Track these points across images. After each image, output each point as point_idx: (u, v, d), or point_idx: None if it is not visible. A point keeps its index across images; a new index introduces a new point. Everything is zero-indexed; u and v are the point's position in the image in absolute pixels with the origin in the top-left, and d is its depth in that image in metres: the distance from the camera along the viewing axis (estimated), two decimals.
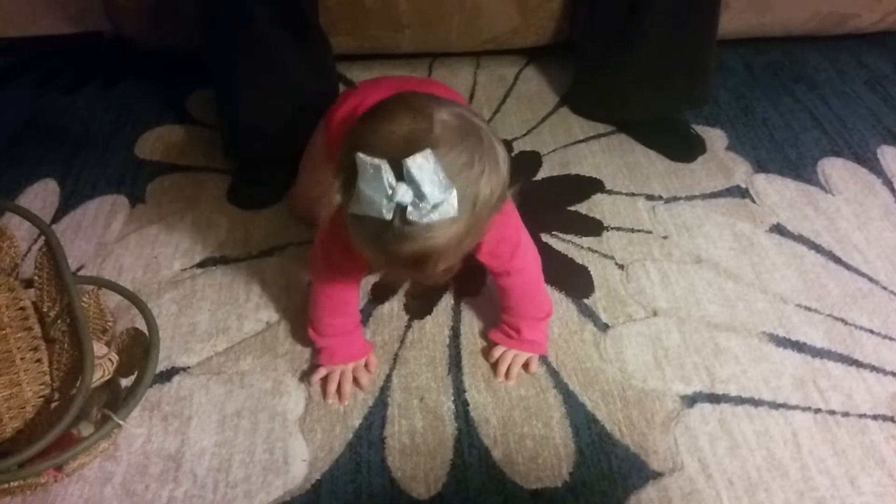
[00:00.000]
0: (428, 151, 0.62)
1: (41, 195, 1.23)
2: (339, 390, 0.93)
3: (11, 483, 0.79)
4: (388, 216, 0.63)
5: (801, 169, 1.27)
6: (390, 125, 0.65)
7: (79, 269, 1.09)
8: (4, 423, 0.84)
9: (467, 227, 0.67)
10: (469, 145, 0.66)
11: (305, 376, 0.95)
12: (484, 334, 1.00)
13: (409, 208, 0.63)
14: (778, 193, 1.22)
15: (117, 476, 0.85)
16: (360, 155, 0.63)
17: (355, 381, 0.95)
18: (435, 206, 0.63)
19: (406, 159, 0.61)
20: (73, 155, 1.31)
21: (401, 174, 0.62)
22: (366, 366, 0.96)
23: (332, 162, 0.93)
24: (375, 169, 0.62)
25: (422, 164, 0.62)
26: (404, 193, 0.62)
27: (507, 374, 0.95)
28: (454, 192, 0.63)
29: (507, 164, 0.70)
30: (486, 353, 0.98)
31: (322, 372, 0.95)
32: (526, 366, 0.96)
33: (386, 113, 0.67)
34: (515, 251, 0.88)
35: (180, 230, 1.17)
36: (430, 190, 0.62)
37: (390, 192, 0.62)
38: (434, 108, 0.66)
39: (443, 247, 0.66)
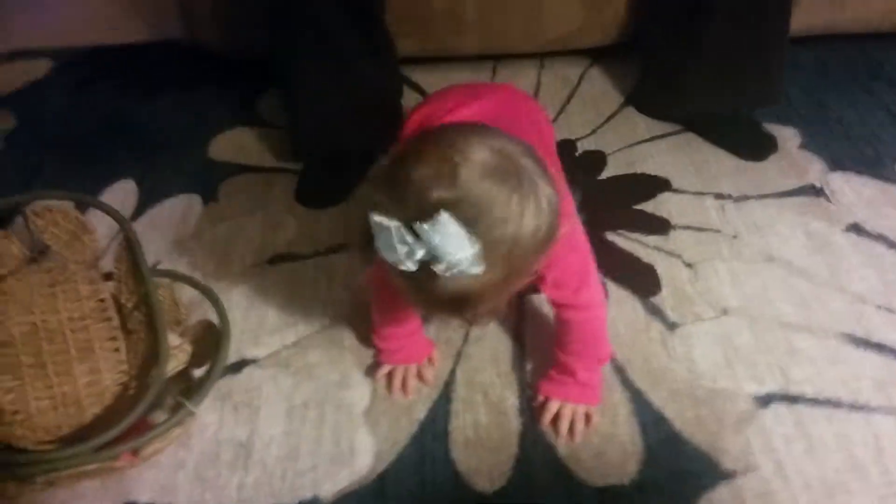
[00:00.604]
0: (444, 215, 0.58)
1: (121, 194, 1.28)
2: (404, 386, 0.94)
3: (89, 466, 0.83)
4: (413, 269, 0.61)
5: (878, 167, 1.23)
6: (410, 173, 0.60)
7: (155, 265, 1.13)
8: (84, 408, 0.88)
9: (504, 273, 0.63)
10: (505, 188, 0.61)
11: (371, 370, 0.96)
12: (533, 384, 0.93)
13: (431, 262, 0.60)
14: (855, 192, 1.18)
15: (190, 463, 0.88)
16: (374, 217, 0.60)
17: (419, 375, 0.95)
18: (456, 265, 0.59)
19: (422, 225, 0.58)
20: (150, 156, 1.37)
21: (414, 231, 0.59)
22: (429, 360, 0.96)
23: None
24: (387, 231, 0.60)
25: (437, 228, 0.58)
26: (419, 253, 0.59)
27: (570, 434, 0.87)
28: (477, 249, 0.59)
29: (554, 198, 0.64)
30: (538, 410, 0.90)
31: (385, 369, 0.95)
32: (587, 419, 0.88)
33: (411, 157, 0.62)
34: (583, 284, 0.82)
35: (251, 228, 1.20)
36: (449, 252, 0.59)
37: (406, 252, 0.60)
38: (476, 147, 0.61)
39: (480, 292, 0.63)
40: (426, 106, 0.97)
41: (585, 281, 0.82)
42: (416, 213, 0.59)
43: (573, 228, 0.78)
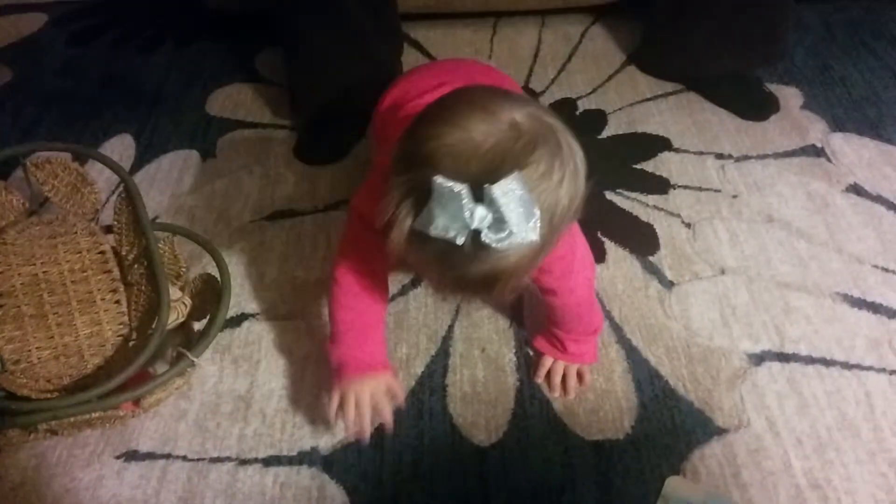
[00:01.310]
0: (516, 175, 0.55)
1: (118, 149, 1.28)
2: (359, 415, 0.79)
3: (92, 414, 0.84)
4: (461, 241, 0.56)
5: (880, 128, 1.22)
6: (463, 132, 0.57)
7: (153, 220, 1.13)
8: (86, 359, 0.89)
9: (543, 245, 0.59)
10: (547, 152, 0.58)
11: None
12: (529, 340, 0.94)
13: (486, 232, 0.56)
14: (855, 153, 1.17)
15: (191, 413, 0.89)
16: (439, 179, 0.55)
17: (375, 408, 0.80)
18: (517, 234, 0.56)
19: (492, 186, 0.55)
20: (147, 112, 1.36)
21: (481, 196, 0.55)
22: (391, 394, 0.81)
23: (379, 154, 0.89)
24: (454, 195, 0.55)
25: (507, 192, 0.55)
26: (483, 219, 0.55)
27: (563, 389, 0.88)
28: (538, 216, 0.56)
29: (584, 165, 0.62)
30: (535, 362, 0.91)
31: (336, 400, 0.79)
32: (580, 377, 0.89)
33: (454, 116, 0.59)
34: (568, 270, 0.79)
35: (249, 184, 1.20)
36: (513, 218, 0.55)
37: (468, 217, 0.55)
38: (508, 110, 0.58)
39: (514, 267, 0.60)
40: (396, 88, 0.95)
41: (570, 267, 0.79)
42: (485, 173, 0.55)
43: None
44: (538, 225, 0.57)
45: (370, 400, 0.79)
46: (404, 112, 0.85)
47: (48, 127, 1.33)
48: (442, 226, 0.56)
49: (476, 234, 0.56)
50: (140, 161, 1.25)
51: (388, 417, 0.80)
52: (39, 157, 1.01)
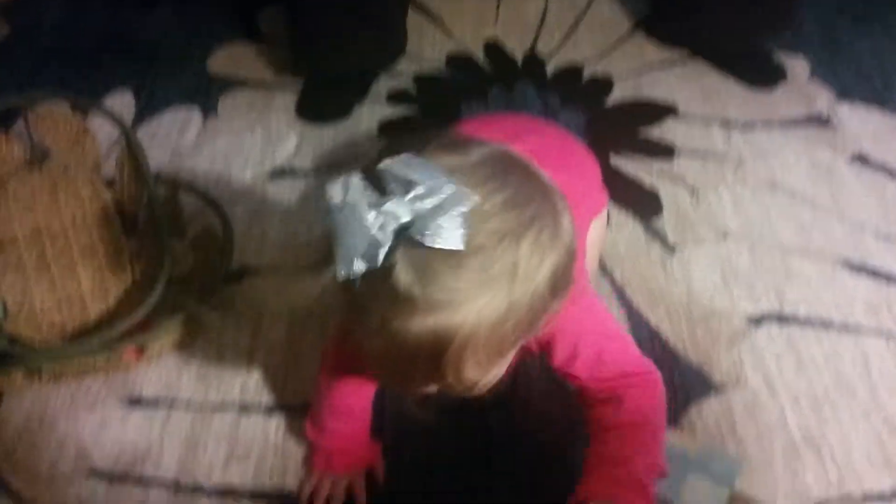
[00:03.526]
0: (408, 155, 0.46)
1: (117, 106, 1.26)
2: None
3: (96, 361, 0.84)
4: (378, 256, 0.44)
5: (887, 99, 1.22)
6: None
7: (154, 177, 1.13)
8: (89, 308, 0.89)
9: (507, 304, 0.47)
10: (510, 190, 0.47)
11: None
12: None
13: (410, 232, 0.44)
14: (861, 123, 1.17)
15: (193, 363, 0.90)
16: (327, 191, 0.45)
17: (349, 488, 0.77)
18: (431, 197, 0.44)
19: (388, 163, 0.45)
20: (147, 68, 1.34)
21: (381, 189, 0.45)
22: (371, 467, 0.78)
23: None
24: (345, 187, 0.45)
25: (406, 161, 0.45)
26: (390, 203, 0.44)
27: None
28: (454, 189, 0.44)
29: (572, 239, 0.51)
30: None
31: (311, 482, 0.77)
32: None
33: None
34: (603, 354, 0.65)
35: (251, 142, 1.19)
36: (420, 178, 0.44)
37: (374, 221, 0.44)
38: (478, 148, 0.50)
39: (471, 327, 0.46)
40: None
41: (606, 349, 0.66)
42: (377, 160, 0.46)
43: (585, 288, 0.65)
44: (462, 193, 0.44)
45: (346, 491, 0.76)
46: None
47: (47, 82, 1.31)
48: (347, 244, 0.44)
49: (395, 250, 0.44)
50: (140, 118, 1.25)
51: (361, 500, 0.77)
52: (41, 108, 1.01)
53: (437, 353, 0.46)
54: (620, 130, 1.18)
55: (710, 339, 0.89)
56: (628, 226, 1.03)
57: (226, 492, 0.79)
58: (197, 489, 0.79)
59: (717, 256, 0.98)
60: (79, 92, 1.27)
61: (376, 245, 0.44)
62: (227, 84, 1.30)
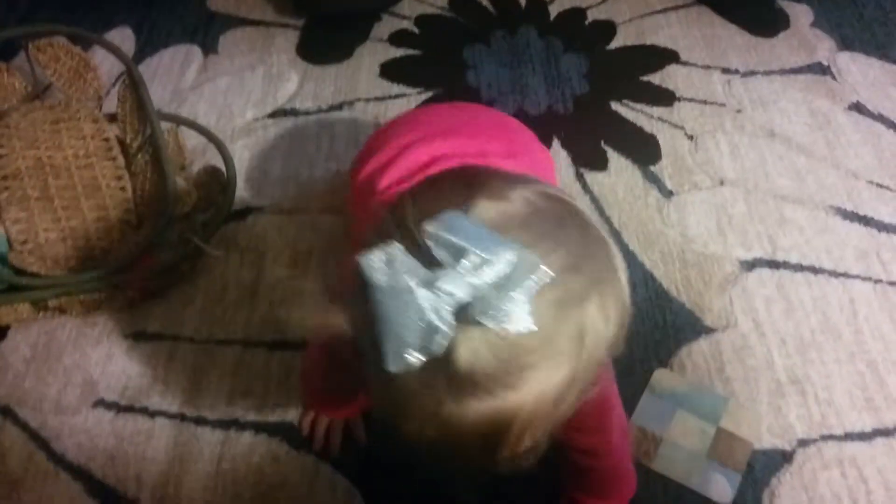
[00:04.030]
0: (450, 215, 0.40)
1: (117, 42, 1.25)
2: (328, 437, 0.79)
3: (100, 294, 0.86)
4: (434, 344, 0.37)
5: (888, 49, 1.22)
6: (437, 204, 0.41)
7: (157, 112, 1.13)
8: (92, 243, 0.90)
9: (572, 376, 0.41)
10: (569, 248, 0.41)
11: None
12: None
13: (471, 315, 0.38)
14: (861, 72, 1.17)
15: (197, 299, 0.91)
16: (362, 258, 0.39)
17: (347, 430, 0.79)
18: (488, 267, 0.38)
19: (432, 223, 0.39)
20: (147, 4, 1.33)
21: (429, 260, 0.39)
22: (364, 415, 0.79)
23: (355, 233, 0.74)
24: (389, 263, 0.38)
25: (455, 222, 0.39)
26: (444, 280, 0.37)
27: None
28: (514, 258, 0.38)
29: (627, 288, 0.45)
30: None
31: (310, 416, 0.80)
32: None
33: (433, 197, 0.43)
34: (607, 422, 0.63)
35: (252, 82, 1.19)
36: (470, 244, 0.38)
37: (422, 293, 0.37)
38: (521, 190, 0.43)
39: (532, 405, 0.40)
40: (375, 156, 0.74)
41: (608, 418, 0.63)
42: (412, 217, 0.41)
43: None
44: (528, 304, 0.38)
45: (342, 424, 0.79)
46: (390, 196, 0.66)
47: (45, 18, 1.30)
48: (395, 342, 0.38)
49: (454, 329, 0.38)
50: (140, 54, 1.23)
51: (361, 438, 0.78)
52: (42, 41, 1.00)
53: (497, 434, 0.41)
54: (622, 76, 1.18)
55: (703, 282, 0.91)
56: (627, 171, 1.04)
57: (229, 423, 0.81)
58: (201, 421, 0.82)
59: (713, 203, 1.00)
60: (77, 28, 1.26)
61: (433, 332, 0.37)
62: (227, 22, 1.29)
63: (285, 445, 0.80)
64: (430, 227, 0.39)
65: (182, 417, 0.82)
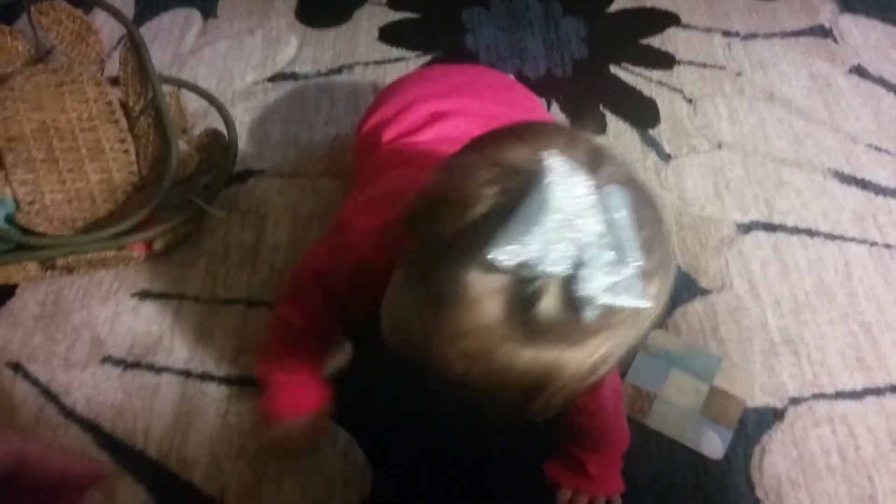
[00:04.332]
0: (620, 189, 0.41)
1: (117, 5, 1.24)
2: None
3: (105, 253, 0.87)
4: (560, 268, 0.38)
5: (890, 11, 1.21)
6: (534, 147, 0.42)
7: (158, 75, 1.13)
8: (97, 204, 0.91)
9: (617, 346, 0.43)
10: (647, 231, 0.42)
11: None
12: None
13: (592, 272, 0.38)
14: (863, 35, 1.17)
15: (201, 260, 0.93)
16: (549, 158, 0.39)
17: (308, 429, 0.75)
18: (631, 261, 0.39)
19: (606, 188, 0.40)
20: None
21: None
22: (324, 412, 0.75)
23: (354, 192, 0.75)
24: (570, 181, 0.39)
25: (620, 203, 0.40)
26: (600, 240, 0.39)
27: None
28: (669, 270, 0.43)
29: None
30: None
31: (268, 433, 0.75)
32: None
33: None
34: (597, 387, 0.62)
35: (251, 45, 1.19)
36: (631, 245, 0.39)
37: (583, 230, 0.38)
38: (600, 159, 0.44)
39: (577, 366, 0.42)
40: (380, 109, 0.77)
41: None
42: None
43: None
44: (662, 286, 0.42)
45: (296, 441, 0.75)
46: (396, 147, 0.73)
47: None
48: (537, 245, 0.37)
49: (570, 280, 0.39)
50: (140, 18, 1.23)
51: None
52: (43, 4, 1.00)
53: (537, 387, 0.42)
54: (621, 39, 1.18)
55: (699, 245, 0.92)
56: (626, 134, 1.05)
57: (234, 380, 0.83)
58: (206, 377, 0.84)
59: (711, 166, 1.00)
60: None
61: (553, 262, 0.38)
62: None
63: None
64: (608, 194, 0.39)
65: (188, 374, 0.84)
